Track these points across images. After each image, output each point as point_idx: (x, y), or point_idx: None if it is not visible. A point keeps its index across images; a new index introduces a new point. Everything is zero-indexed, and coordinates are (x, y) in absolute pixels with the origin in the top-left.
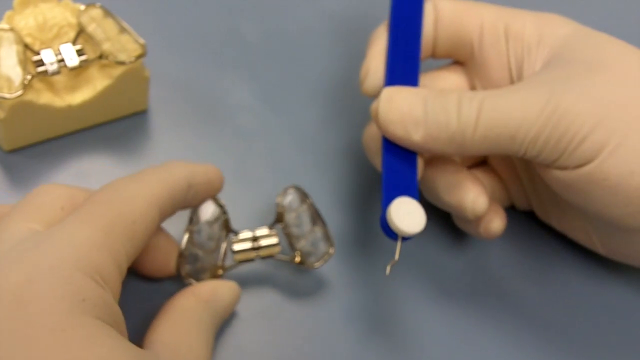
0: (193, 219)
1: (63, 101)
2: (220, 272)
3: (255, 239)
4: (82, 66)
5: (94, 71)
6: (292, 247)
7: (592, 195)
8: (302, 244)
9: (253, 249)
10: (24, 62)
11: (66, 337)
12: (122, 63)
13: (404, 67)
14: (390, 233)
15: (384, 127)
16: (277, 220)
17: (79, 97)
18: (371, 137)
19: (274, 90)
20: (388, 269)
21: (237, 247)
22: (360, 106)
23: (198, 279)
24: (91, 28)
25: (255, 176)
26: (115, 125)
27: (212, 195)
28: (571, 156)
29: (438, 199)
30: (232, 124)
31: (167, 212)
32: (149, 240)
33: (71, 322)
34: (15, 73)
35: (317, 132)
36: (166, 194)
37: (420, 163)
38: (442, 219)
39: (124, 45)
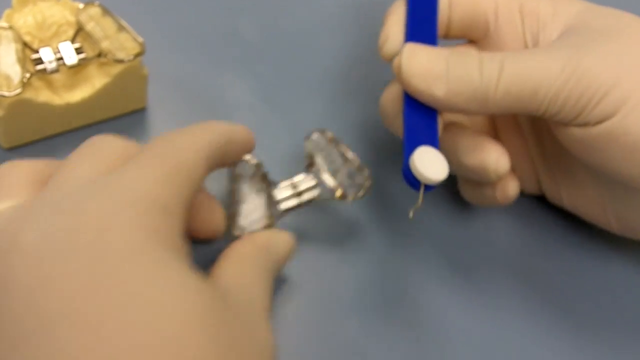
0: (233, 177)
1: (62, 99)
2: (270, 222)
3: (294, 185)
4: (81, 64)
5: (92, 69)
6: (330, 188)
7: (611, 153)
8: (339, 178)
9: (295, 195)
10: (22, 61)
11: (144, 260)
12: (120, 61)
13: (423, 37)
14: (413, 182)
15: (407, 81)
16: (309, 165)
17: (77, 95)
18: (390, 99)
19: (273, 88)
20: (411, 213)
21: (279, 195)
22: (360, 104)
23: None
24: (90, 26)
25: None
26: (114, 123)
27: (247, 152)
28: (592, 112)
29: (458, 162)
30: (231, 121)
31: (212, 166)
32: (196, 193)
33: (148, 248)
34: (14, 71)
35: None
36: (213, 147)
37: (440, 123)
38: (449, 192)
39: (123, 44)
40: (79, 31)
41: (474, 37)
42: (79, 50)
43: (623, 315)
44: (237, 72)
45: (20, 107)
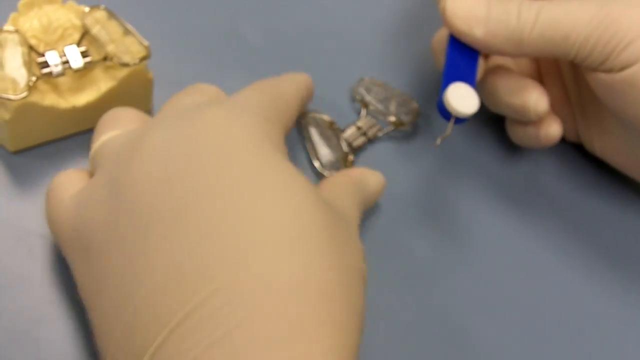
0: (304, 126)
1: (67, 102)
2: (347, 161)
3: (358, 127)
4: (87, 68)
5: (98, 73)
6: (387, 120)
7: (632, 98)
8: (392, 110)
9: (361, 134)
10: (28, 64)
11: (264, 153)
12: (126, 65)
13: None
14: (445, 114)
15: (450, 22)
16: (364, 107)
17: (83, 98)
18: (439, 40)
19: None
20: (439, 140)
21: (348, 137)
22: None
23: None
24: (95, 30)
25: None
26: None
27: (311, 98)
28: (617, 59)
29: (499, 102)
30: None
31: (300, 107)
32: (293, 120)
33: (265, 146)
34: (20, 75)
35: None
36: (302, 91)
37: (481, 64)
38: (497, 131)
39: (128, 47)
40: (85, 35)
41: None
42: (84, 54)
43: None
44: (239, 75)
45: (26, 111)
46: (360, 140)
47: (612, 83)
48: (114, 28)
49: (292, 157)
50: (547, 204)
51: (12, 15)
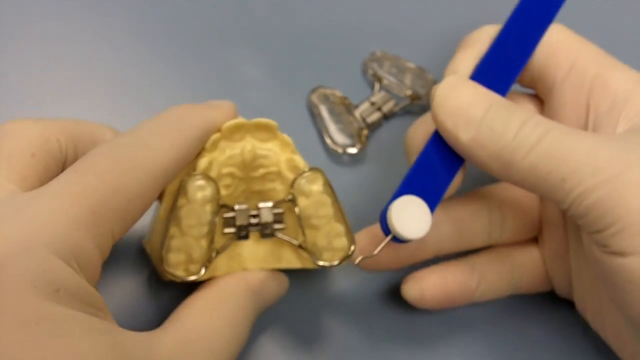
0: (314, 107)
1: (239, 265)
2: (365, 133)
3: (372, 102)
4: (271, 237)
5: (281, 244)
6: (402, 95)
7: (630, 294)
8: (407, 83)
9: (375, 109)
10: (211, 232)
11: (41, 331)
12: (321, 266)
13: (493, 79)
14: (385, 228)
15: (435, 114)
16: (377, 81)
17: (255, 263)
18: (417, 133)
19: (283, 65)
20: (358, 260)
21: (362, 113)
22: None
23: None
24: (302, 204)
25: None
26: None
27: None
28: (616, 237)
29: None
30: (241, 100)
31: (172, 178)
32: (142, 215)
33: (46, 314)
34: (198, 246)
35: None
36: (176, 159)
37: (458, 177)
38: None
39: (332, 241)
40: (286, 202)
41: (540, 91)
42: (277, 218)
43: None
44: (247, 50)
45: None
46: (375, 116)
47: (608, 265)
48: (325, 208)
49: (302, 135)
50: None
51: (214, 137)
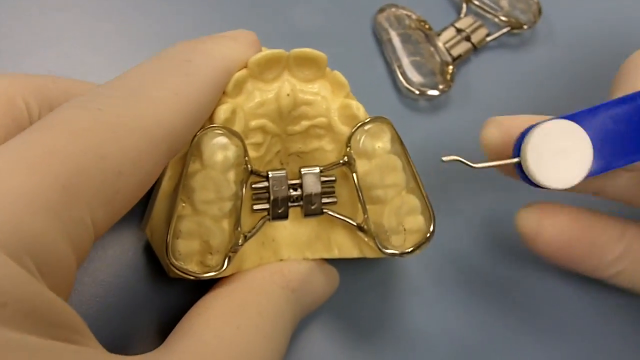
0: (382, 33)
1: (275, 255)
2: (449, 70)
3: (458, 29)
4: (319, 216)
5: (333, 228)
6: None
7: None
8: (505, 2)
9: (463, 39)
10: (235, 210)
11: None
12: (389, 254)
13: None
14: (517, 155)
15: (518, 224)
16: (464, 1)
17: (293, 251)
18: (491, 136)
19: None
20: (446, 158)
21: (445, 43)
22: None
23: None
24: (363, 168)
25: None
26: None
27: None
28: None
29: None
30: (281, 24)
31: (181, 143)
32: (144, 192)
33: None
34: (218, 230)
35: None
36: (184, 113)
37: None
38: None
39: (403, 219)
40: (344, 165)
41: None
42: (326, 189)
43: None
44: None
45: None
46: (462, 48)
47: None
48: (395, 174)
49: (365, 72)
50: None
51: (239, 75)
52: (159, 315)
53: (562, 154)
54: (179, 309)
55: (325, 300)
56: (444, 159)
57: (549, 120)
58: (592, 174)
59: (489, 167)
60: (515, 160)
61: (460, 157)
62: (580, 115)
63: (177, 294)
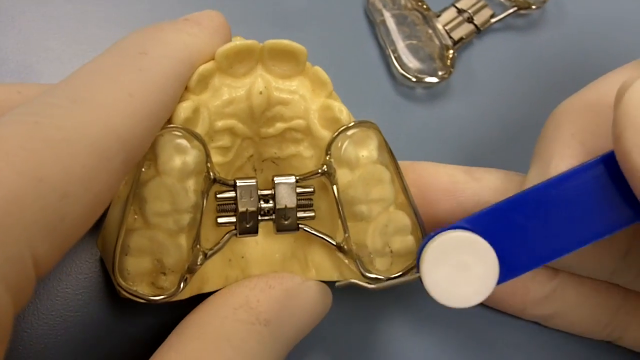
0: (375, 14)
1: (240, 273)
2: (450, 54)
3: (459, 10)
4: (294, 232)
5: (310, 246)
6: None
7: None
8: None
9: (465, 20)
10: (195, 224)
11: None
12: (370, 280)
13: None
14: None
15: (619, 126)
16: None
17: (264, 271)
18: (564, 123)
19: None
20: (341, 283)
21: (444, 25)
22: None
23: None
24: (344, 180)
25: None
26: None
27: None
28: None
29: None
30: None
31: (140, 151)
32: (99, 214)
33: None
34: (174, 246)
35: None
36: (141, 116)
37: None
38: None
39: (390, 239)
40: (320, 175)
41: None
42: (302, 202)
43: None
44: None
45: None
46: (463, 30)
47: None
48: (380, 184)
49: (356, 56)
50: None
51: (204, 68)
52: (120, 342)
53: (462, 269)
54: (146, 330)
55: (316, 322)
56: (338, 285)
57: (447, 231)
58: (503, 281)
59: (388, 286)
60: (416, 276)
61: (361, 278)
62: (482, 217)
63: (141, 314)
